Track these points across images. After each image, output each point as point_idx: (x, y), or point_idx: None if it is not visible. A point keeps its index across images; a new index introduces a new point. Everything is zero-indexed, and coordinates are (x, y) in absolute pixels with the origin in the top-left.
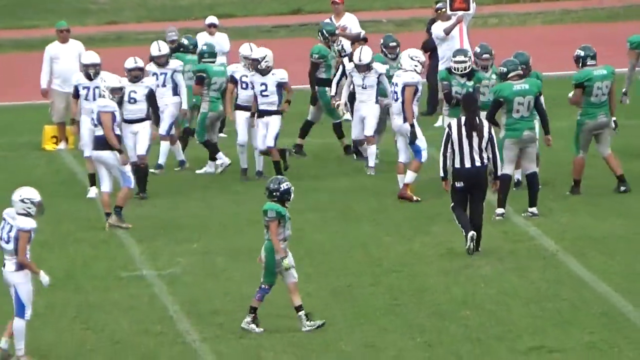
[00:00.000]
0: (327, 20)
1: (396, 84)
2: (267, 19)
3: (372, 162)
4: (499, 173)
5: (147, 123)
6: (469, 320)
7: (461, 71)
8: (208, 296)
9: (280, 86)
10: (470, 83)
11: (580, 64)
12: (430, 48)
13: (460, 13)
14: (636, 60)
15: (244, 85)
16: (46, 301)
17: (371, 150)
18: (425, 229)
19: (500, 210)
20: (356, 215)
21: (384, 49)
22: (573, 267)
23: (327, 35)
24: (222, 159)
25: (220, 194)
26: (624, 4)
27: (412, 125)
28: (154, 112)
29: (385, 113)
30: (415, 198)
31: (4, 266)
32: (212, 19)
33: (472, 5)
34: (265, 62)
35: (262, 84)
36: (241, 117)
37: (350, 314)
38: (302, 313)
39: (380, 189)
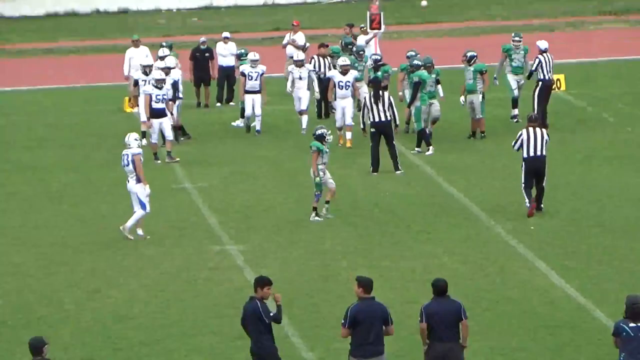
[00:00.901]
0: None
1: None
2: (258, 34)
3: (304, 125)
4: (397, 123)
5: (170, 103)
6: (380, 215)
7: (370, 67)
8: (228, 200)
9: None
10: (379, 73)
11: (473, 62)
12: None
13: (375, 31)
14: (504, 59)
15: (249, 78)
16: (126, 205)
17: (304, 119)
18: (353, 160)
19: (432, 148)
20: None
21: (354, 52)
22: (443, 185)
23: (344, 45)
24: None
25: (236, 140)
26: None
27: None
28: (173, 95)
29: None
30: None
31: (128, 181)
32: (226, 34)
33: (383, 27)
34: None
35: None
36: (248, 98)
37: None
38: (327, 205)
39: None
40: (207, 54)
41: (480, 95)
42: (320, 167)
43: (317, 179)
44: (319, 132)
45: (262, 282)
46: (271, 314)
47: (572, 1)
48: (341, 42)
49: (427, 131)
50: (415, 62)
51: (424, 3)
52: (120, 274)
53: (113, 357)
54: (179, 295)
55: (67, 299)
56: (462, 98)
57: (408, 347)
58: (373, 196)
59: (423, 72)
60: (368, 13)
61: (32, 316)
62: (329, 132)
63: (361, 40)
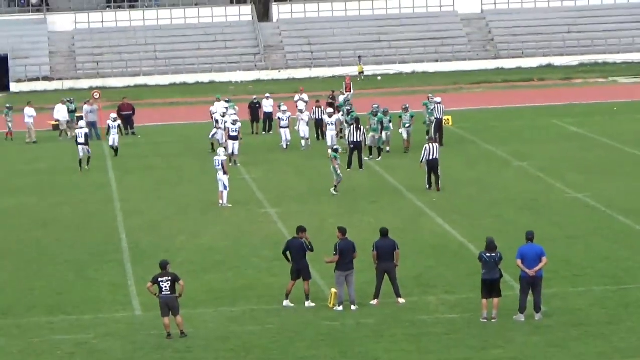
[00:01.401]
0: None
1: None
2: (283, 94)
3: (308, 144)
4: (365, 144)
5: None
6: (351, 193)
7: (346, 113)
8: (268, 184)
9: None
10: (349, 117)
11: (407, 110)
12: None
13: (348, 93)
14: (425, 109)
15: (282, 120)
16: (212, 187)
17: (308, 142)
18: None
19: (381, 157)
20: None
21: (345, 104)
22: (385, 176)
23: (344, 102)
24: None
25: (273, 152)
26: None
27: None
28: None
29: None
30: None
31: (217, 174)
32: (267, 94)
33: (352, 90)
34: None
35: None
36: (282, 131)
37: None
38: (335, 188)
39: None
40: (257, 105)
41: (411, 129)
42: (337, 166)
43: (338, 171)
44: (335, 147)
45: (302, 229)
46: (309, 247)
47: (456, 76)
48: (332, 99)
49: (387, 149)
50: (375, 111)
51: (379, 78)
52: (208, 225)
53: (206, 269)
54: (240, 238)
55: (179, 238)
56: (400, 130)
57: (366, 265)
58: (347, 182)
59: (381, 116)
60: (344, 83)
61: (161, 247)
62: (340, 148)
63: (340, 98)
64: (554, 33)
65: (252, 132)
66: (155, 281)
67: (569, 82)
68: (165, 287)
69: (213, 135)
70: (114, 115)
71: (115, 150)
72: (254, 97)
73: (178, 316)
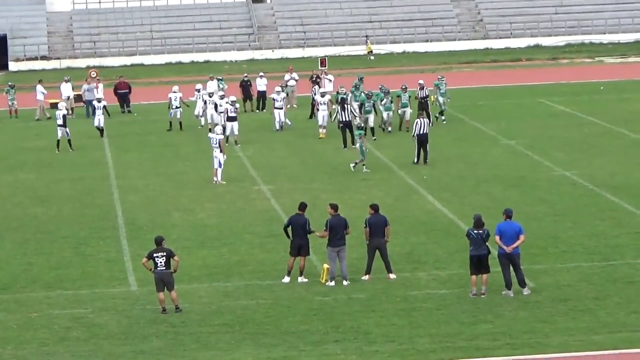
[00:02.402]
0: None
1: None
2: (275, 73)
3: (289, 123)
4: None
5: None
6: (343, 170)
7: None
8: (262, 162)
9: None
10: (342, 97)
11: (406, 90)
12: (318, 85)
13: (323, 68)
14: (436, 89)
15: (276, 101)
16: (207, 164)
17: (289, 124)
18: (329, 141)
19: (374, 137)
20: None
21: (354, 86)
22: (377, 154)
23: (355, 88)
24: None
25: (266, 132)
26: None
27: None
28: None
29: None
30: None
31: (214, 151)
32: (261, 73)
33: (325, 68)
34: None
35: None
36: (277, 112)
37: None
38: (357, 164)
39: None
40: (248, 83)
41: (410, 108)
42: (364, 143)
43: (363, 148)
44: (360, 125)
45: (305, 206)
46: (309, 227)
47: (445, 56)
48: (317, 78)
49: (389, 129)
50: (369, 93)
51: (372, 57)
52: (203, 201)
53: (200, 245)
54: (235, 213)
55: (175, 214)
56: (399, 111)
57: (358, 241)
58: (339, 159)
59: (380, 95)
60: (319, 59)
61: (156, 223)
62: (363, 125)
63: (328, 83)
64: (541, 14)
65: (244, 111)
66: (150, 257)
67: (556, 62)
68: (160, 262)
69: (172, 115)
70: (100, 96)
71: (100, 130)
72: (245, 75)
73: (173, 291)
